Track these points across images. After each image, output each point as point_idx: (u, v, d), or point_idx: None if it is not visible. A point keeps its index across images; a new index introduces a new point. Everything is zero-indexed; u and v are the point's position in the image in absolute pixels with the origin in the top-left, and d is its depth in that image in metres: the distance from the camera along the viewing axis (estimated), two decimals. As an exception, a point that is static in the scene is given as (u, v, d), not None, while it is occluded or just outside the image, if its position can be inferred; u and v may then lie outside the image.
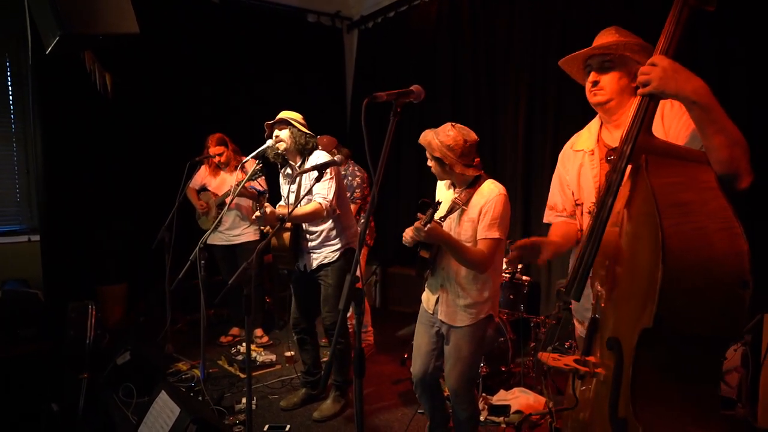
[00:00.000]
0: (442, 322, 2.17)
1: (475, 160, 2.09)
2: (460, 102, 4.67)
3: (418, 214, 1.94)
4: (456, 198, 2.09)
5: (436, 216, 2.01)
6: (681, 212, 1.02)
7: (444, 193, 2.26)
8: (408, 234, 1.98)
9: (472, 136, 2.09)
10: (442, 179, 2.22)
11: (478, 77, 4.48)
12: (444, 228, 2.04)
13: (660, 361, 1.05)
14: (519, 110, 4.13)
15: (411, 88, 1.48)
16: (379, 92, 1.37)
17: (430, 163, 2.13)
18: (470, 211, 2.07)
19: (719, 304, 0.97)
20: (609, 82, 1.50)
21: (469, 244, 2.06)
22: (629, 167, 1.16)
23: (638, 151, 1.13)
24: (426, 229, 1.85)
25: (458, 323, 2.12)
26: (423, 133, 2.11)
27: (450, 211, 2.04)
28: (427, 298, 2.27)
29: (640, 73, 1.15)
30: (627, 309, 1.13)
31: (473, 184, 2.10)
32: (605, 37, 1.54)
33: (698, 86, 1.11)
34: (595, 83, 1.52)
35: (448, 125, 2.09)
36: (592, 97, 1.55)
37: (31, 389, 3.25)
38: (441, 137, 2.06)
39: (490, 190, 2.07)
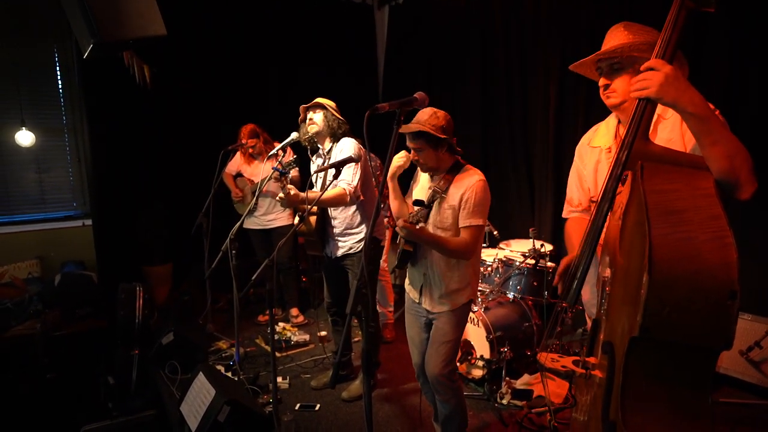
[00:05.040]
0: (427, 311, 2.23)
1: (453, 139, 2.11)
2: (491, 81, 4.57)
3: (410, 207, 1.97)
4: (435, 186, 2.10)
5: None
6: (671, 222, 1.02)
7: (420, 179, 2.27)
8: (398, 226, 2.01)
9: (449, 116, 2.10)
10: (430, 170, 2.15)
11: (509, 56, 4.37)
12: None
13: (649, 368, 1.07)
14: (550, 84, 4.00)
15: (415, 95, 1.50)
16: (382, 103, 1.40)
17: (421, 155, 2.08)
18: (450, 198, 2.09)
19: (707, 314, 0.98)
20: (620, 84, 1.48)
21: (449, 233, 2.09)
22: (625, 174, 1.16)
23: (634, 157, 1.13)
24: (418, 227, 1.90)
25: (441, 309, 2.18)
26: (409, 125, 2.06)
27: (431, 200, 2.06)
28: (411, 288, 2.32)
29: (639, 78, 1.13)
30: (621, 315, 1.15)
31: (452, 171, 2.12)
32: (613, 38, 1.50)
33: (694, 97, 1.09)
34: (606, 86, 1.50)
35: (428, 109, 2.05)
36: (606, 100, 1.54)
37: (88, 363, 3.58)
38: (431, 121, 2.04)
39: (470, 177, 2.09)
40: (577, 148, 1.76)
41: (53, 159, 4.70)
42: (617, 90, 1.47)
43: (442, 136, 2.03)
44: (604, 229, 1.29)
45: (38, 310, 3.80)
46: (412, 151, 2.11)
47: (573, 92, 3.85)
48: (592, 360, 1.32)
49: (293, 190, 2.69)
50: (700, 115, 1.09)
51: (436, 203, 2.13)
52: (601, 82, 1.50)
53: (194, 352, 3.40)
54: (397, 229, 2.02)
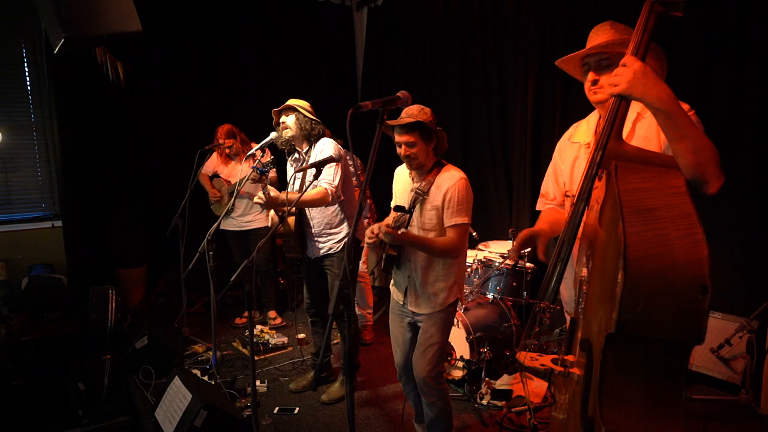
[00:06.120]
0: (413, 312, 2.22)
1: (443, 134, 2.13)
2: (469, 83, 4.61)
3: (393, 213, 1.95)
4: (417, 187, 2.11)
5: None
6: (645, 219, 1.04)
7: (402, 182, 2.26)
8: (381, 232, 1.96)
9: None
10: (421, 166, 2.14)
11: (486, 58, 4.41)
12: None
13: (625, 363, 1.08)
14: (528, 88, 4.05)
15: (398, 94, 1.49)
16: (365, 101, 1.39)
17: (413, 149, 2.06)
18: (432, 198, 2.09)
19: (679, 309, 1.00)
20: (608, 80, 1.49)
21: (434, 234, 2.10)
22: (600, 172, 1.18)
23: (608, 157, 1.15)
24: (399, 234, 1.88)
25: (427, 310, 2.17)
26: (402, 118, 2.05)
27: (414, 202, 2.06)
28: (395, 290, 2.32)
29: (613, 74, 1.16)
30: (598, 312, 1.16)
31: (433, 171, 2.12)
32: (601, 35, 1.52)
33: (663, 92, 1.12)
34: (595, 82, 1.50)
35: (415, 106, 2.06)
36: (593, 95, 1.53)
37: (58, 369, 3.46)
38: (422, 115, 2.05)
39: (451, 176, 2.09)
40: (558, 143, 1.79)
41: (21, 158, 4.55)
42: (605, 86, 1.47)
43: (438, 128, 2.05)
44: (581, 227, 1.31)
45: (3, 315, 3.66)
46: (402, 147, 2.08)
47: (550, 93, 3.91)
48: (570, 358, 1.34)
49: (273, 191, 2.66)
50: (666, 110, 1.12)
51: (418, 205, 2.13)
52: (590, 77, 1.49)
53: (169, 356, 3.32)
54: (380, 236, 1.98)
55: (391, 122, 2.05)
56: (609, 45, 1.45)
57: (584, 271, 1.35)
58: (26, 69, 4.46)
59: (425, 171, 2.14)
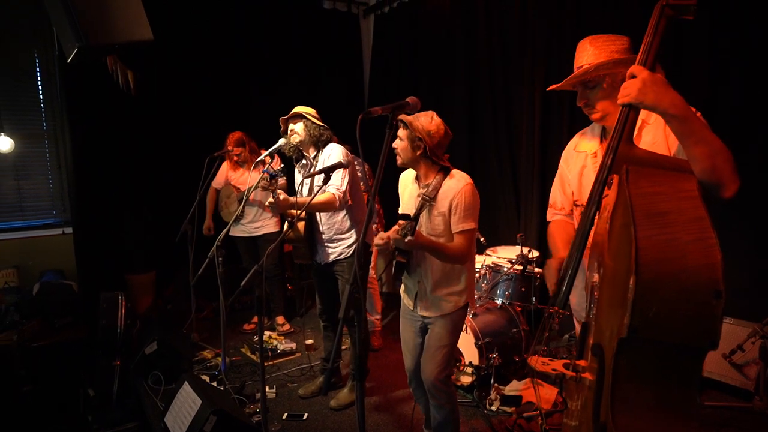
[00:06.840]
0: (423, 317, 2.23)
1: (445, 156, 2.13)
2: (476, 90, 4.62)
3: (399, 222, 1.95)
4: (423, 193, 2.11)
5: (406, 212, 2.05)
6: (656, 223, 1.03)
7: (408, 187, 2.27)
8: (390, 240, 1.96)
9: (450, 132, 2.12)
10: (405, 165, 2.19)
11: (493, 65, 4.42)
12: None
13: (638, 369, 1.07)
14: (534, 97, 4.05)
15: (407, 99, 1.51)
16: (374, 107, 1.40)
17: (399, 143, 2.11)
18: (439, 204, 2.10)
19: (692, 314, 0.99)
20: (596, 99, 1.51)
21: (442, 239, 2.10)
22: (611, 178, 1.18)
23: (619, 161, 1.15)
24: (407, 241, 1.87)
25: (438, 313, 2.17)
26: (407, 116, 2.10)
27: (420, 209, 2.07)
28: (406, 296, 2.32)
29: (623, 86, 1.16)
30: (609, 317, 1.16)
31: (439, 177, 2.13)
32: (581, 57, 1.52)
33: (675, 99, 1.12)
34: (586, 104, 1.53)
35: (431, 112, 2.10)
36: (589, 116, 1.56)
37: (68, 375, 3.48)
38: (423, 121, 2.07)
39: (457, 181, 2.09)
40: (564, 153, 1.79)
41: (32, 165, 4.61)
42: (595, 106, 1.50)
43: (418, 135, 2.05)
44: (592, 232, 1.31)
45: (15, 321, 3.69)
46: (396, 138, 2.14)
47: (558, 100, 3.90)
48: (582, 363, 1.33)
49: (283, 195, 2.68)
50: (680, 116, 1.12)
51: (425, 212, 2.13)
52: (580, 102, 1.53)
53: (178, 362, 3.34)
54: (391, 243, 1.97)
55: (401, 117, 2.08)
56: (590, 72, 1.46)
57: (596, 277, 1.34)
58: (39, 78, 4.53)
59: (429, 178, 2.15)
